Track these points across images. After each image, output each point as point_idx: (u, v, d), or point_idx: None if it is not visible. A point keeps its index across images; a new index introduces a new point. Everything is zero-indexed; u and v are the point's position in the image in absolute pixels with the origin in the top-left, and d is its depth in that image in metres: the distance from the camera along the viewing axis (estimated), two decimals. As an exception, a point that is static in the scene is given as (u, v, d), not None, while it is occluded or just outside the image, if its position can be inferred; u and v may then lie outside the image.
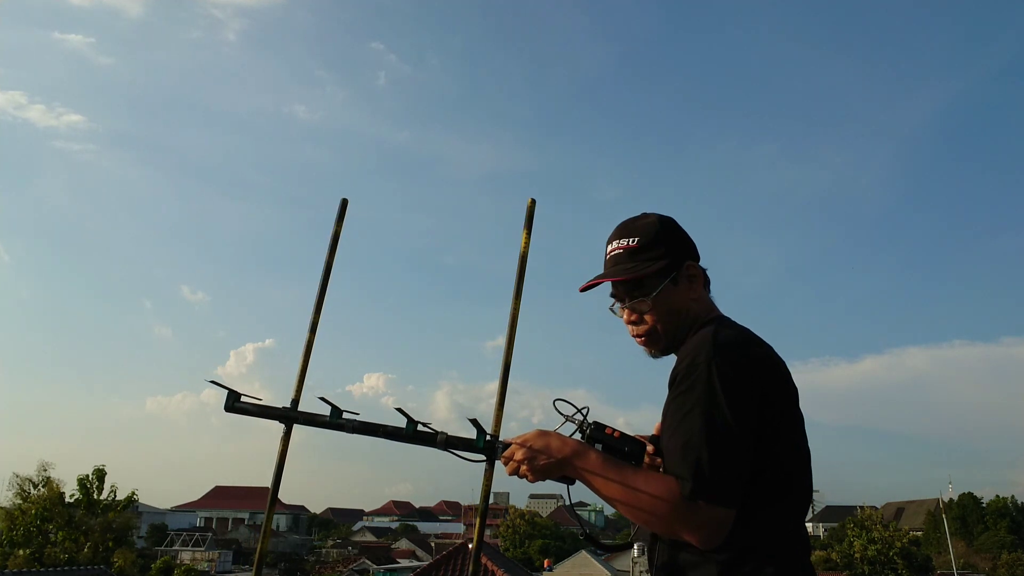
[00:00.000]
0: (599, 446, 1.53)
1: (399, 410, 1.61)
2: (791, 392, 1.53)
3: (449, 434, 1.61)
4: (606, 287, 1.69)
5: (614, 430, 1.55)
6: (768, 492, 1.44)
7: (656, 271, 1.60)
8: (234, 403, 1.66)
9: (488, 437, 1.59)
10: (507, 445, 1.56)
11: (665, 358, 1.68)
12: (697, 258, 1.69)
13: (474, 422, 1.60)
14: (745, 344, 1.50)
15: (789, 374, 1.54)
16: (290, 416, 1.65)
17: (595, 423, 1.56)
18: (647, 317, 1.62)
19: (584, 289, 1.69)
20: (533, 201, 1.78)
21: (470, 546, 19.54)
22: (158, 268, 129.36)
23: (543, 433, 1.53)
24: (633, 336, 1.67)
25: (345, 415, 1.64)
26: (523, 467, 1.51)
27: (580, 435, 1.56)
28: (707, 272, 1.70)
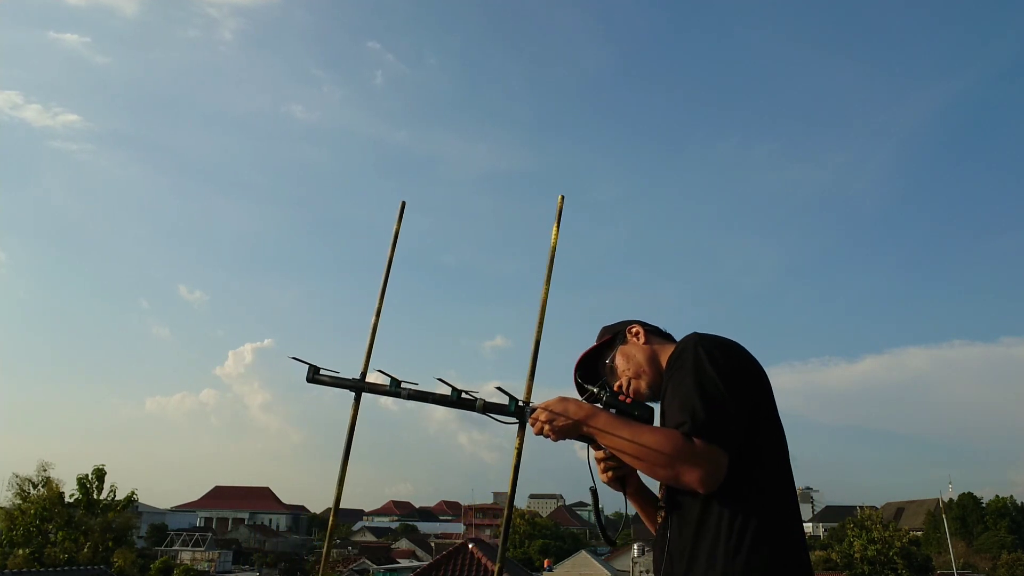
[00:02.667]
0: (613, 410, 1.79)
1: (441, 380, 1.90)
2: (768, 385, 1.76)
3: (486, 400, 1.86)
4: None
5: (627, 396, 1.84)
6: (759, 468, 1.65)
7: (603, 342, 2.03)
8: (314, 375, 1.94)
9: (519, 402, 1.83)
10: (534, 409, 1.81)
11: None
12: (641, 323, 2.02)
13: (501, 389, 1.86)
14: (726, 339, 1.78)
15: (765, 372, 1.77)
16: (359, 386, 1.94)
17: (610, 389, 1.85)
18: (622, 374, 1.96)
19: (577, 372, 2.03)
20: (563, 198, 1.97)
21: (471, 546, 19.63)
22: (155, 267, 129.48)
23: (563, 399, 1.80)
24: (626, 392, 1.95)
25: (403, 385, 1.90)
26: (546, 427, 1.78)
27: (598, 400, 1.85)
28: (661, 328, 2.03)
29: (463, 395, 1.86)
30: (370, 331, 2.02)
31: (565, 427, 1.75)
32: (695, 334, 1.76)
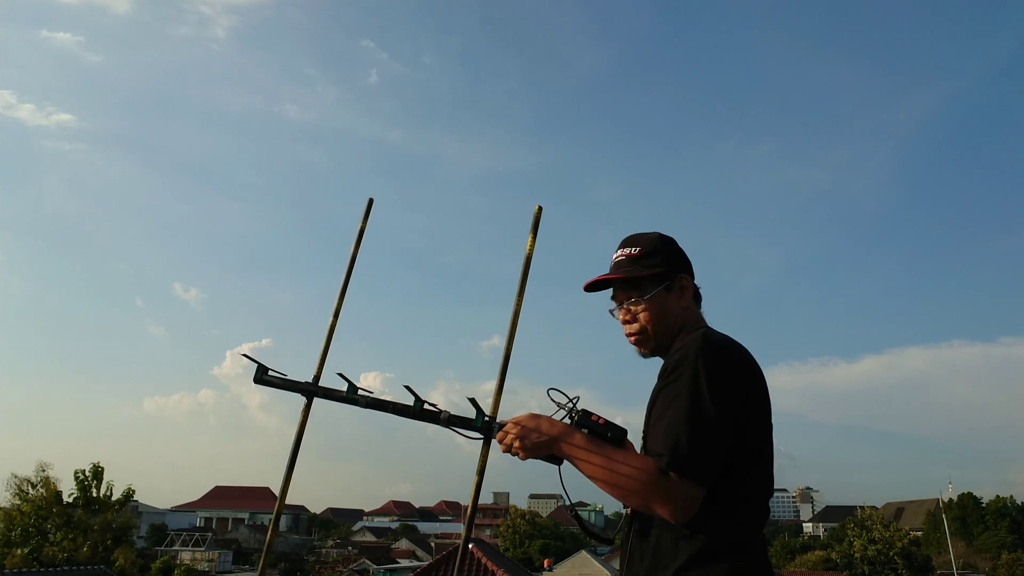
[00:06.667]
0: (585, 431, 1.69)
1: (407, 387, 1.75)
2: (767, 402, 1.67)
3: (451, 413, 1.74)
4: (609, 292, 1.87)
5: (599, 417, 1.72)
6: (736, 490, 1.57)
7: (651, 275, 1.79)
8: (262, 376, 1.81)
9: (486, 417, 1.73)
10: (502, 424, 1.71)
11: (653, 360, 1.83)
12: (692, 275, 1.86)
13: (472, 401, 1.73)
14: (732, 348, 1.66)
15: (767, 386, 1.68)
16: (311, 390, 1.80)
17: (583, 410, 1.73)
18: (640, 317, 1.79)
19: (588, 288, 1.85)
20: (540, 208, 1.89)
21: (471, 546, 19.59)
22: (149, 266, 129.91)
23: (534, 416, 1.70)
24: (627, 336, 1.84)
25: (360, 391, 1.77)
26: (515, 444, 1.67)
27: (569, 421, 1.73)
28: (700, 290, 1.86)
29: (426, 406, 1.74)
30: (327, 331, 1.90)
31: (537, 445, 1.65)
32: (700, 338, 1.63)
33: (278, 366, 1.85)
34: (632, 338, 1.81)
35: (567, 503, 1.86)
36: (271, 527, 1.89)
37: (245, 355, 1.83)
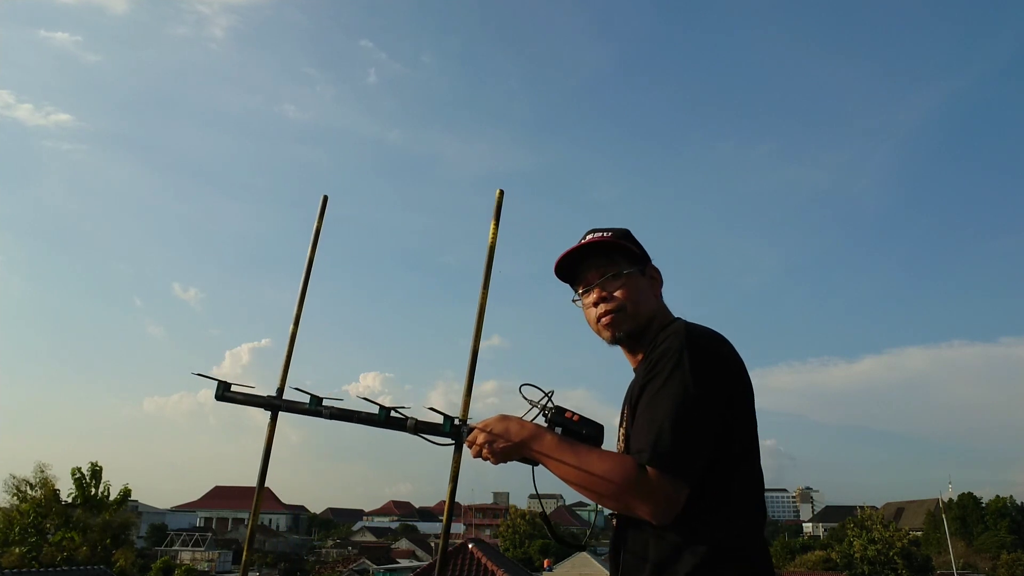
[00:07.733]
0: (559, 429, 1.60)
1: (365, 399, 1.71)
2: (751, 397, 1.61)
3: (418, 419, 1.68)
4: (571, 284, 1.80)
5: (574, 414, 1.63)
6: (726, 488, 1.50)
7: (629, 253, 1.73)
8: (224, 392, 1.77)
9: (456, 422, 1.66)
10: (472, 429, 1.63)
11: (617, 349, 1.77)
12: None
13: (434, 409, 1.68)
14: (717, 342, 1.59)
15: (749, 377, 1.62)
16: (274, 404, 1.76)
17: (556, 407, 1.64)
18: (618, 294, 1.70)
19: (560, 265, 1.76)
20: (501, 192, 1.82)
21: (471, 546, 19.59)
22: (148, 265, 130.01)
23: (504, 417, 1.61)
24: (599, 316, 1.71)
25: (325, 402, 1.73)
26: (484, 450, 1.60)
27: (543, 419, 1.64)
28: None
29: (393, 413, 1.68)
30: (288, 341, 1.83)
31: (506, 449, 1.56)
32: (683, 330, 1.56)
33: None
34: (607, 317, 1.69)
35: (541, 508, 1.86)
36: (246, 542, 1.84)
37: (201, 374, 1.77)
